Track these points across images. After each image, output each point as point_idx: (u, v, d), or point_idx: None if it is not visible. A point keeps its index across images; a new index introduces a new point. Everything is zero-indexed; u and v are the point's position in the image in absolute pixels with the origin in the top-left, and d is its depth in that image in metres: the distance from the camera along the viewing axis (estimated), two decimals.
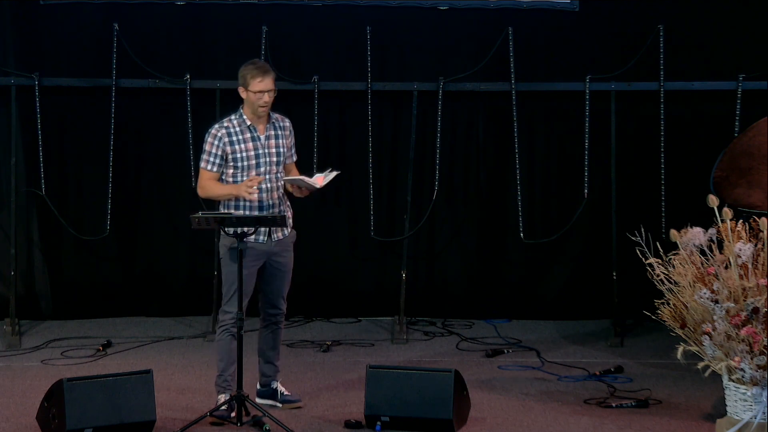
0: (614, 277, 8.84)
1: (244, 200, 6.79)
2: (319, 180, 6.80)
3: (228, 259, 6.82)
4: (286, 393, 7.04)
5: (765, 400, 6.09)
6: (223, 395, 6.83)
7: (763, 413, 6.13)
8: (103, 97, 8.95)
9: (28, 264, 9.12)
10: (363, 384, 6.74)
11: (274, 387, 7.03)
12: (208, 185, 6.88)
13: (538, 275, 9.33)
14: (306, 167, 8.91)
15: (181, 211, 8.80)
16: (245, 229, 6.67)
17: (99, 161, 9.02)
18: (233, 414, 6.72)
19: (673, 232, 6.41)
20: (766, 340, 6.03)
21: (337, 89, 9.05)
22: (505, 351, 8.39)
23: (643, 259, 6.38)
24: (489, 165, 9.27)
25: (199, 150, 8.98)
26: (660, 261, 6.37)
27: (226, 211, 6.82)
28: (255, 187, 6.72)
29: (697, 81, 8.96)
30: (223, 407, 6.71)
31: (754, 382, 6.10)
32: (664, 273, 6.36)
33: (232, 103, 9.04)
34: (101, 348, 8.35)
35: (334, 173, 6.84)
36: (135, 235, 9.26)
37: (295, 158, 7.07)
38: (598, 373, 7.78)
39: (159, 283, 9.28)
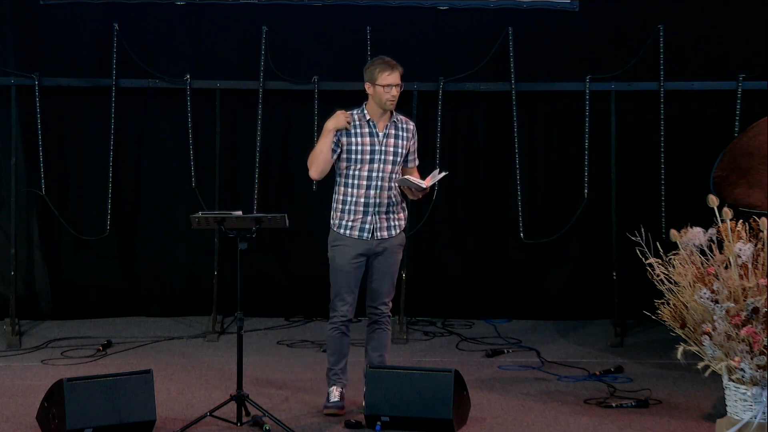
0: (614, 277, 8.84)
1: (351, 196, 6.85)
2: (427, 181, 6.76)
3: (332, 258, 6.96)
4: None
5: (765, 400, 6.09)
6: (335, 387, 6.91)
7: (763, 413, 6.13)
8: (103, 97, 8.95)
9: (28, 264, 9.12)
10: (363, 384, 6.74)
11: None
12: (312, 156, 6.86)
13: (538, 275, 9.33)
14: (306, 167, 8.92)
15: (181, 211, 8.81)
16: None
17: (99, 161, 9.02)
18: (336, 398, 6.85)
19: (673, 232, 6.40)
20: (766, 340, 6.03)
21: (337, 89, 9.04)
22: (505, 351, 8.39)
23: (643, 259, 6.38)
24: (489, 165, 9.28)
25: (198, 150, 9.06)
26: (660, 261, 6.37)
27: (337, 206, 6.89)
28: (406, 178, 6.75)
29: (697, 81, 8.96)
30: (334, 398, 6.85)
31: (754, 382, 6.09)
32: (664, 273, 6.35)
33: (232, 103, 9.10)
34: (101, 348, 8.35)
35: (443, 174, 6.82)
36: (135, 235, 9.27)
37: (417, 162, 6.99)
38: (598, 373, 7.78)
39: (159, 283, 9.28)
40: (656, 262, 6.36)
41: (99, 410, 6.35)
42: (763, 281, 6.11)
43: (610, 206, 8.94)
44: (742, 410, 6.18)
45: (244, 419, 6.66)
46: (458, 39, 9.16)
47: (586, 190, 8.94)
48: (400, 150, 6.88)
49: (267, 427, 6.55)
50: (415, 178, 6.79)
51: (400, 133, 6.91)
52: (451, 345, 8.62)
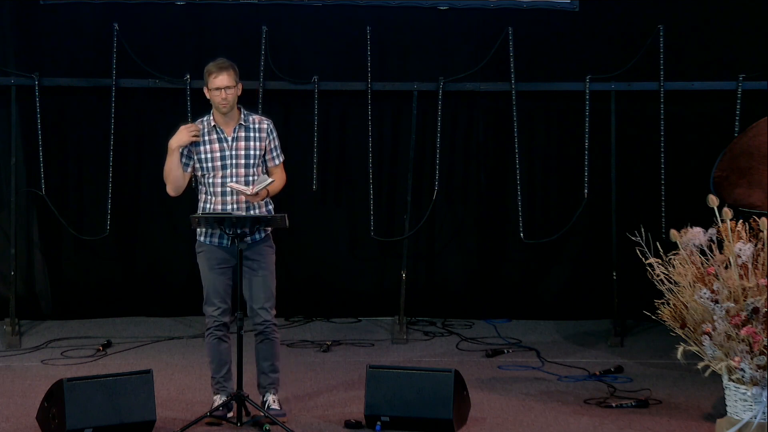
0: (614, 277, 8.84)
1: (210, 203, 6.77)
2: (252, 187, 6.64)
3: (199, 265, 6.86)
4: (273, 407, 6.86)
5: (765, 400, 6.10)
6: (218, 396, 6.84)
7: (763, 413, 6.13)
8: (103, 97, 8.95)
9: (28, 264, 9.12)
10: (363, 384, 6.74)
11: (266, 399, 6.88)
12: (164, 174, 6.84)
13: (538, 275, 9.33)
14: (306, 167, 8.93)
15: (181, 211, 8.80)
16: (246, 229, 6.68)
17: (99, 161, 9.02)
18: (230, 414, 6.72)
19: (673, 232, 6.41)
20: (766, 340, 6.03)
21: (337, 89, 9.05)
22: (505, 351, 8.39)
23: (643, 259, 6.38)
24: (489, 165, 9.28)
25: None
26: (660, 261, 6.37)
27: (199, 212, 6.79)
28: (229, 184, 6.66)
29: (697, 81, 8.96)
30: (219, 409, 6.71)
31: (754, 382, 6.09)
32: (664, 273, 6.36)
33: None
34: (101, 348, 8.35)
35: (269, 181, 6.70)
36: (135, 235, 9.27)
37: (278, 161, 6.89)
38: (598, 373, 7.78)
39: (159, 283, 9.28)
40: (656, 262, 6.37)
41: (99, 410, 6.36)
42: (763, 281, 6.11)
43: (610, 206, 8.94)
44: (742, 410, 6.18)
45: (244, 419, 6.66)
46: (458, 39, 9.16)
47: (586, 190, 8.94)
48: (252, 152, 6.78)
49: (267, 427, 6.55)
50: (239, 185, 6.67)
51: (252, 134, 6.80)
52: (451, 345, 8.62)
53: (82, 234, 9.04)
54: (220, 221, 6.66)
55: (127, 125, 9.12)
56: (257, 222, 6.68)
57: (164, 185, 9.18)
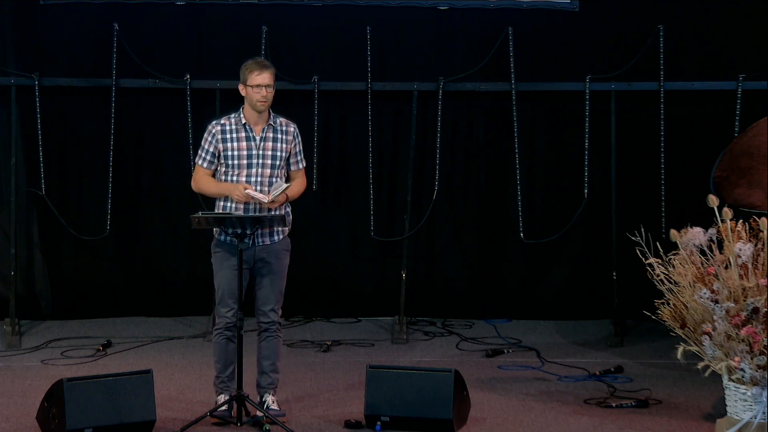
0: (614, 277, 8.84)
1: (231, 202, 6.75)
2: (268, 195, 6.63)
3: (214, 264, 6.89)
4: (272, 407, 6.86)
5: (765, 400, 6.10)
6: (222, 395, 6.84)
7: (763, 413, 6.13)
8: (103, 97, 8.95)
9: (28, 264, 9.12)
10: (363, 384, 6.74)
11: (264, 400, 6.88)
12: (201, 180, 6.85)
13: (538, 275, 9.33)
14: (306, 167, 8.92)
15: (181, 211, 8.81)
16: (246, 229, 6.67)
17: (99, 161, 9.02)
18: (234, 413, 6.73)
19: (673, 232, 6.41)
20: (766, 340, 6.03)
21: (337, 89, 9.05)
22: (505, 351, 8.39)
23: (643, 259, 6.38)
24: (489, 165, 9.28)
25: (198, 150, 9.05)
26: (660, 261, 6.37)
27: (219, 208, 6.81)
28: (247, 193, 6.65)
29: (697, 81, 8.97)
30: (223, 407, 6.71)
31: (754, 382, 6.09)
32: (664, 273, 6.36)
33: (232, 103, 9.03)
34: (101, 348, 8.35)
35: (285, 185, 6.69)
36: (135, 235, 9.27)
37: (301, 165, 6.92)
38: (598, 373, 7.78)
39: (159, 283, 9.28)
40: (656, 262, 6.37)
41: (99, 410, 6.36)
42: (763, 281, 6.11)
43: (610, 206, 8.94)
44: (742, 410, 6.18)
45: (244, 419, 6.66)
46: (458, 39, 9.16)
47: (586, 190, 8.94)
48: (279, 153, 6.76)
49: (267, 428, 6.55)
50: (257, 194, 6.63)
51: (279, 135, 6.79)
52: (451, 345, 8.62)
53: (82, 234, 9.04)
54: (220, 221, 6.66)
55: (127, 125, 9.12)
56: (257, 222, 6.67)
57: (164, 186, 9.26)
